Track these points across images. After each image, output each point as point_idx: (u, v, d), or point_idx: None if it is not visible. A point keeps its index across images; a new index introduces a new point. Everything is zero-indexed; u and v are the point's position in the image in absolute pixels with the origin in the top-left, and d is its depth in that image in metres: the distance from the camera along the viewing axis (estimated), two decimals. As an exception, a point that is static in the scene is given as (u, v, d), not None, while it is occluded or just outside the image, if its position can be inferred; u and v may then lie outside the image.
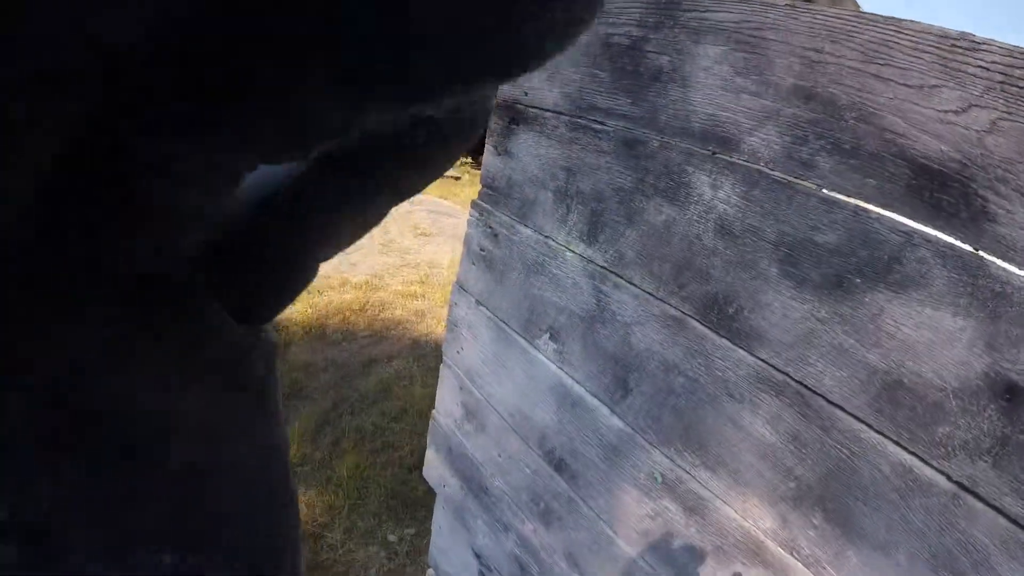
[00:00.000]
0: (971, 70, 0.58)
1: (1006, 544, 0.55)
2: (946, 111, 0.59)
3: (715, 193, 0.73)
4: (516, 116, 0.99)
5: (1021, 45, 0.56)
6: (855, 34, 0.64)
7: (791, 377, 0.71)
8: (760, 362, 0.72)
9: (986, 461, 0.57)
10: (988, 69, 0.57)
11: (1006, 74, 0.56)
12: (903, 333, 0.62)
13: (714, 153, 0.74)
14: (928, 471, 0.60)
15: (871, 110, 0.63)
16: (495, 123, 1.04)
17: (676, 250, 0.77)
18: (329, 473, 2.40)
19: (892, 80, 0.62)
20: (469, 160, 12.53)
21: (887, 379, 0.64)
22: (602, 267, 0.86)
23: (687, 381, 0.79)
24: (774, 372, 0.71)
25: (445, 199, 8.93)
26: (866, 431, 0.65)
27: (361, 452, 2.56)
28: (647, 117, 0.80)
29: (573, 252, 0.90)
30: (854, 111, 0.64)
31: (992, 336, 0.56)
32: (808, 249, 0.67)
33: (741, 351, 0.74)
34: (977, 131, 0.57)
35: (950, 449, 0.60)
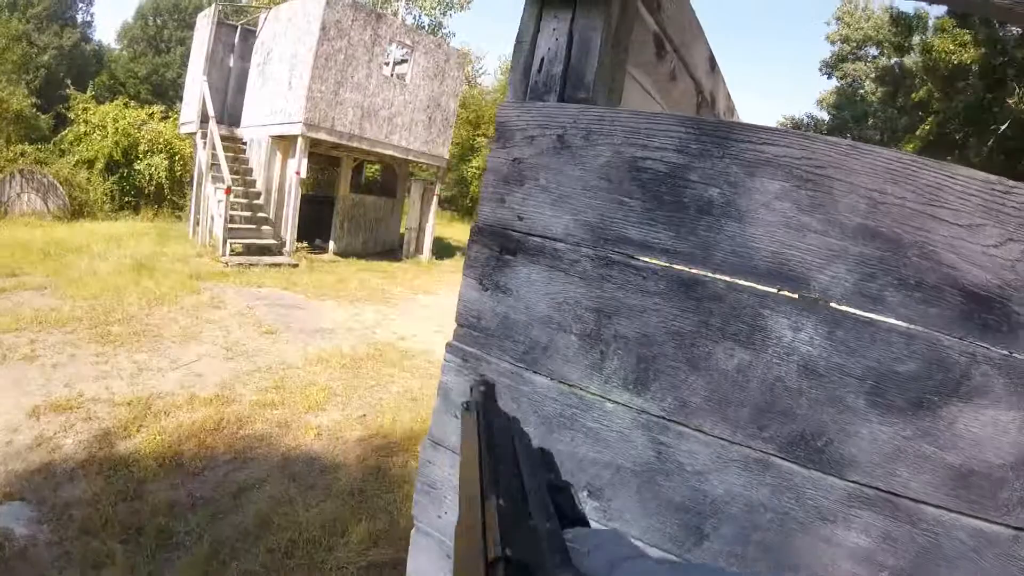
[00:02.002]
0: (1007, 210, 0.64)
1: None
2: (988, 245, 0.66)
3: (796, 335, 0.70)
4: (510, 245, 0.82)
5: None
6: (913, 177, 0.67)
7: (880, 489, 0.72)
8: (851, 484, 0.73)
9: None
10: (1019, 208, 0.64)
11: (1032, 213, 0.64)
12: (972, 433, 0.68)
13: (780, 290, 0.71)
14: (995, 527, 0.68)
15: (931, 247, 0.67)
16: (475, 252, 0.85)
17: (754, 394, 0.73)
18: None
19: (947, 220, 0.66)
20: (305, 245, 11.75)
21: (962, 470, 0.69)
22: (659, 416, 0.77)
23: (775, 516, 0.76)
24: (865, 489, 0.72)
25: (286, 290, 8.26)
26: (946, 514, 0.70)
27: (259, 602, 2.15)
28: (699, 253, 0.73)
29: (616, 402, 0.79)
30: (916, 249, 0.67)
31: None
32: (892, 379, 0.69)
33: (832, 478, 0.73)
34: (1011, 260, 0.65)
35: (1010, 507, 0.68)
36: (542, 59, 0.85)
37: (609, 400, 0.79)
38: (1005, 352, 0.67)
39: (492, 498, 0.35)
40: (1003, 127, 12.52)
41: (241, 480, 3.12)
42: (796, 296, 0.71)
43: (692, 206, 0.73)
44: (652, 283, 0.75)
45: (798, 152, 0.70)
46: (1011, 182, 0.66)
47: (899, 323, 0.70)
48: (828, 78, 29.72)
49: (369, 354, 5.78)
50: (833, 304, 0.71)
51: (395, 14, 17.74)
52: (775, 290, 0.72)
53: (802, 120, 32.45)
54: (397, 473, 3.48)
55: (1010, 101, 12.17)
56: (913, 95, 16.82)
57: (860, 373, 0.70)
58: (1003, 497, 0.67)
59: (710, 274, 0.73)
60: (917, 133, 16.55)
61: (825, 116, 30.71)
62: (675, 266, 0.75)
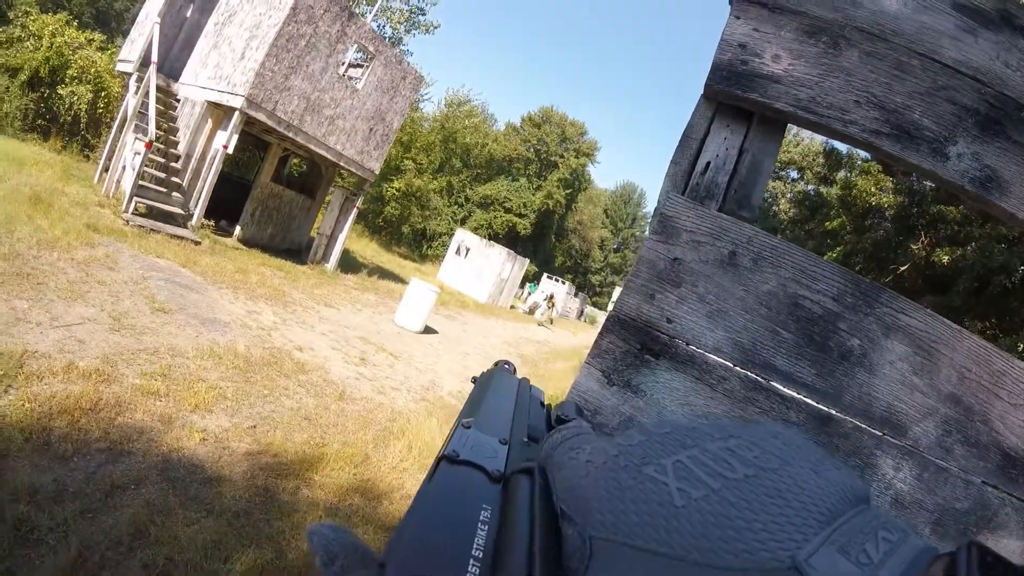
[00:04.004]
0: (1039, 395, 0.86)
1: None
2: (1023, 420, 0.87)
3: (896, 474, 0.84)
4: (655, 347, 0.83)
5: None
6: (990, 361, 0.86)
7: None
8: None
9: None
10: (1047, 396, 0.87)
11: (1056, 397, 0.87)
12: (988, 561, 0.89)
13: (884, 435, 0.84)
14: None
15: (989, 416, 0.86)
16: (608, 343, 0.84)
17: (851, 519, 0.84)
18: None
19: (1003, 398, 0.86)
20: (211, 224, 10.93)
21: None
22: (768, 532, 0.84)
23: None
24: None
25: (185, 267, 7.46)
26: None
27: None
28: (832, 393, 0.84)
29: None
30: (980, 416, 0.86)
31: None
32: (951, 514, 0.87)
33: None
34: (1035, 432, 0.87)
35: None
36: (708, 163, 0.88)
37: (722, 515, 0.84)
38: (1021, 498, 0.87)
39: (462, 421, 0.45)
40: (902, 268, 14.68)
41: (116, 476, 2.80)
42: (900, 443, 0.84)
43: (835, 350, 0.83)
44: (794, 414, 0.83)
45: (923, 326, 0.84)
46: (1050, 374, 0.88)
47: (961, 472, 0.87)
48: (747, 189, 33.04)
49: (264, 359, 5.47)
50: (921, 451, 0.85)
51: (363, 15, 17.21)
52: (882, 433, 0.84)
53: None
54: (287, 500, 3.20)
55: (914, 247, 14.29)
56: (828, 224, 18.87)
57: (931, 507, 0.86)
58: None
59: (839, 414, 0.83)
60: (823, 258, 18.66)
61: (738, 224, 34.45)
62: (810, 400, 0.83)
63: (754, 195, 0.88)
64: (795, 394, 0.84)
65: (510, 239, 39.13)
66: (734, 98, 0.88)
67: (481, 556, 0.28)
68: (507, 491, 0.35)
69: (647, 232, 0.92)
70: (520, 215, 41.45)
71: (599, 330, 0.87)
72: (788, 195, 28.92)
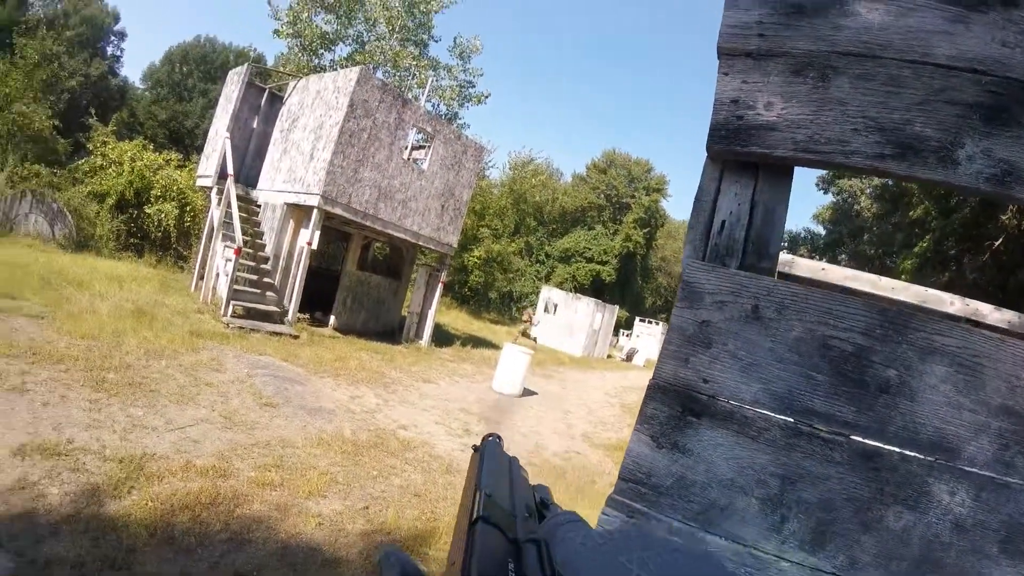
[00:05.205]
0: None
1: None
2: (1081, 422, 0.87)
3: (952, 498, 0.86)
4: (695, 407, 0.89)
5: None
6: None
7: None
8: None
9: None
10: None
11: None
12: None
13: (936, 460, 0.86)
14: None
15: None
16: (652, 409, 0.89)
17: (915, 549, 0.88)
18: None
19: None
20: (306, 317, 12.13)
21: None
22: (831, 573, 0.88)
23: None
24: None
25: (286, 361, 8.27)
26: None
27: None
28: (875, 427, 0.87)
29: (791, 561, 0.89)
30: None
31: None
32: (1019, 529, 0.87)
33: (970, 620, 0.89)
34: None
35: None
36: (723, 222, 0.93)
37: (784, 559, 0.88)
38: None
39: (482, 490, 0.56)
40: (997, 243, 13.97)
41: (239, 564, 3.05)
42: (954, 465, 0.86)
43: (872, 384, 0.86)
44: (838, 454, 0.86)
45: (960, 343, 0.86)
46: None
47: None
48: (824, 193, 32.11)
49: (370, 441, 5.87)
50: (977, 470, 0.87)
51: (416, 99, 18.79)
52: (933, 459, 0.86)
53: (799, 234, 35.24)
54: (405, 576, 3.45)
55: (1003, 218, 13.58)
56: (911, 213, 18.24)
57: (996, 526, 0.88)
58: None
59: (886, 446, 0.85)
60: (915, 250, 18.43)
61: (822, 231, 33.80)
62: (854, 437, 0.86)
63: (771, 244, 0.92)
64: (837, 434, 0.87)
65: (596, 288, 39.94)
66: (736, 154, 0.92)
67: None
68: (519, 553, 0.48)
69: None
70: (602, 262, 42.48)
71: (643, 398, 0.92)
72: (868, 191, 27.72)
